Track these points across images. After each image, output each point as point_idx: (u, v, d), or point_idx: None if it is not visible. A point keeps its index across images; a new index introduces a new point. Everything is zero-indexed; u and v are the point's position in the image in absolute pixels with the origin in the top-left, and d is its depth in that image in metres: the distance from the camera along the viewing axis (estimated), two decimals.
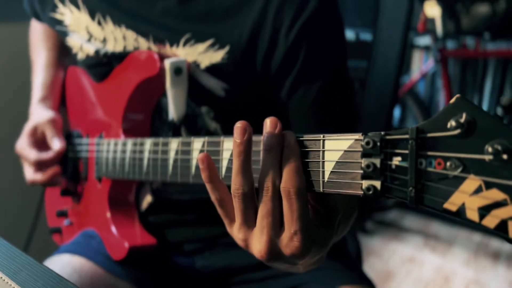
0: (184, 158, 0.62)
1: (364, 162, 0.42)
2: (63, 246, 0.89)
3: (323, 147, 0.46)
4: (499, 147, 0.33)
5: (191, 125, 0.82)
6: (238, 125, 0.48)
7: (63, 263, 0.81)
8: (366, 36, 2.40)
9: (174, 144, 0.64)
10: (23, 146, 0.91)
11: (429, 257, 2.37)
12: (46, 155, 0.90)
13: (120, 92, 0.82)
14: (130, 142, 0.75)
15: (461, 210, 0.36)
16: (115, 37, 0.81)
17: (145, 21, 0.79)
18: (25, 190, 1.14)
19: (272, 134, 0.47)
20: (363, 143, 0.42)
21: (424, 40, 3.17)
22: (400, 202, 0.40)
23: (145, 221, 0.87)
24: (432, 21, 2.90)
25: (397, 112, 3.26)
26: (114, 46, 0.82)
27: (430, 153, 0.38)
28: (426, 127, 0.38)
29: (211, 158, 0.51)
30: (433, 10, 2.83)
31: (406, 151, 0.39)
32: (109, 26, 0.81)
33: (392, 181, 0.40)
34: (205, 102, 0.80)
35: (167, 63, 0.75)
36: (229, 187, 0.51)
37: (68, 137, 0.97)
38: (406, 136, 0.39)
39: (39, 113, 0.95)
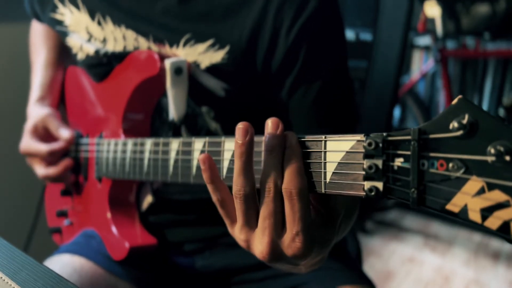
0: (185, 158, 0.61)
1: (366, 163, 0.42)
2: (63, 246, 0.89)
3: (325, 148, 0.46)
4: (502, 149, 0.33)
5: (191, 125, 0.82)
6: (240, 126, 0.48)
7: (63, 263, 0.81)
8: (366, 36, 2.40)
9: (174, 144, 0.64)
10: (29, 144, 0.91)
11: (429, 257, 2.37)
12: (58, 145, 0.90)
13: (120, 92, 0.82)
14: (130, 142, 0.75)
15: (464, 212, 0.36)
16: (115, 37, 0.81)
17: (145, 21, 0.79)
18: (25, 190, 1.14)
19: (274, 135, 0.47)
20: (365, 144, 0.42)
21: (424, 40, 3.17)
22: (401, 202, 0.40)
23: (145, 221, 0.87)
24: (432, 21, 2.90)
25: (397, 112, 3.26)
26: (114, 46, 0.82)
27: (432, 154, 0.38)
28: (428, 128, 0.38)
29: (213, 159, 0.51)
30: (433, 10, 2.83)
31: (408, 152, 0.39)
32: (109, 26, 0.81)
33: (394, 182, 0.40)
34: (205, 102, 0.80)
35: (168, 63, 0.75)
36: (230, 187, 0.50)
37: None
38: (408, 137, 0.39)
39: (37, 112, 0.94)
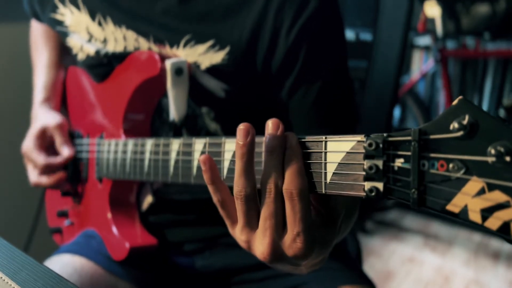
0: (186, 159, 0.62)
1: (366, 163, 0.42)
2: (63, 246, 0.89)
3: (325, 149, 0.46)
4: (502, 149, 0.33)
5: (191, 126, 0.82)
6: (241, 127, 0.48)
7: (63, 263, 0.81)
8: (366, 36, 2.40)
9: (175, 144, 0.64)
10: (30, 148, 0.91)
11: (429, 257, 2.37)
12: (55, 160, 0.90)
13: (120, 92, 0.82)
14: (131, 142, 0.75)
15: (464, 212, 0.36)
16: (116, 38, 0.81)
17: (145, 22, 0.79)
18: (25, 190, 1.14)
19: (274, 135, 0.47)
20: (365, 144, 0.42)
21: (424, 40, 3.17)
22: (401, 202, 0.40)
23: (145, 221, 0.87)
24: (432, 21, 2.90)
25: (397, 112, 3.26)
26: (114, 46, 0.82)
27: (432, 155, 0.38)
28: (429, 128, 0.38)
29: (213, 160, 0.51)
30: (433, 10, 2.83)
31: (409, 153, 0.39)
32: (110, 26, 0.81)
33: (394, 182, 0.40)
34: (206, 102, 0.80)
35: (168, 64, 0.75)
36: (231, 188, 0.51)
37: (70, 137, 0.97)
38: (409, 138, 0.39)
39: (47, 116, 0.94)
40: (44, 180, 0.91)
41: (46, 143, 0.93)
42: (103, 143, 0.84)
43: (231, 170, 0.54)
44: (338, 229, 0.52)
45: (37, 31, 1.04)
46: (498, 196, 0.34)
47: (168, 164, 0.65)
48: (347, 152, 0.44)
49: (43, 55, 1.02)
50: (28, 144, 0.92)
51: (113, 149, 0.80)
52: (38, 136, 0.92)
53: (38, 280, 0.48)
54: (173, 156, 0.64)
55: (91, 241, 0.87)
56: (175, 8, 0.76)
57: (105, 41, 0.82)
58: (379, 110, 2.40)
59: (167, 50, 0.78)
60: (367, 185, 0.42)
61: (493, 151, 0.34)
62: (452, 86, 3.06)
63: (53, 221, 1.07)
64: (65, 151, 0.90)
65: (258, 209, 0.49)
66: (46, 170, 0.91)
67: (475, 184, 0.35)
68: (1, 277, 0.49)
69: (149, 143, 0.70)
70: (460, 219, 0.36)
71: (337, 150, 0.45)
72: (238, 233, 0.51)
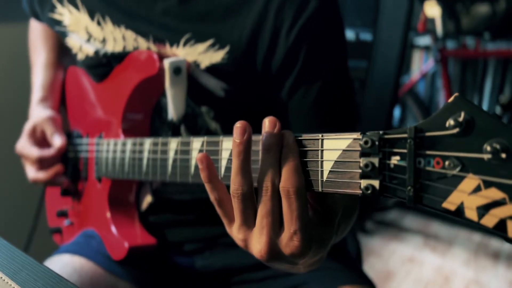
0: (183, 158, 0.62)
1: (362, 161, 0.42)
2: (63, 246, 0.89)
3: (322, 147, 0.46)
4: (498, 146, 0.33)
5: (191, 125, 0.82)
6: (238, 125, 0.48)
7: (63, 263, 0.81)
8: (366, 36, 2.40)
9: (173, 144, 0.64)
10: (24, 145, 0.92)
11: (429, 257, 2.37)
12: (48, 152, 0.90)
13: (119, 92, 0.82)
14: (129, 142, 0.76)
15: (460, 209, 0.36)
16: (115, 37, 0.81)
17: (144, 21, 0.79)
18: (25, 190, 1.14)
19: (271, 133, 0.47)
20: (361, 142, 0.42)
21: (424, 40, 3.17)
22: (400, 202, 0.40)
23: (145, 221, 0.87)
24: (432, 21, 2.90)
25: (397, 112, 3.26)
26: (113, 46, 0.82)
27: (428, 152, 0.38)
28: (425, 126, 0.38)
29: (210, 158, 0.51)
30: (433, 10, 2.83)
31: (405, 150, 0.39)
32: (109, 26, 0.81)
33: (390, 180, 0.40)
34: (205, 102, 0.80)
35: (167, 63, 0.75)
36: (228, 187, 0.51)
37: (68, 137, 0.97)
38: (405, 135, 0.39)
39: (38, 113, 0.95)
40: (42, 175, 0.91)
41: (38, 139, 0.93)
42: (102, 143, 0.84)
43: (228, 169, 0.54)
44: (336, 228, 0.52)
45: (36, 30, 1.04)
46: (494, 193, 0.34)
47: (166, 163, 0.65)
48: (343, 150, 0.44)
49: (42, 55, 1.02)
50: (21, 142, 0.93)
51: (112, 148, 0.80)
52: (30, 133, 0.92)
53: (38, 280, 0.48)
54: (171, 155, 0.64)
55: (90, 241, 0.87)
56: (175, 8, 0.76)
57: (104, 41, 0.83)
58: (379, 110, 2.40)
59: (166, 49, 0.78)
60: (363, 183, 0.42)
61: (489, 148, 0.34)
62: (452, 86, 3.06)
63: (53, 221, 1.07)
64: (57, 141, 0.91)
65: (255, 207, 0.49)
66: (42, 163, 0.91)
67: (471, 181, 0.35)
68: (1, 277, 0.49)
69: (148, 142, 0.70)
70: (456, 217, 0.36)
71: (334, 148, 0.45)
72: (235, 231, 0.51)
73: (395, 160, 0.40)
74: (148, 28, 0.78)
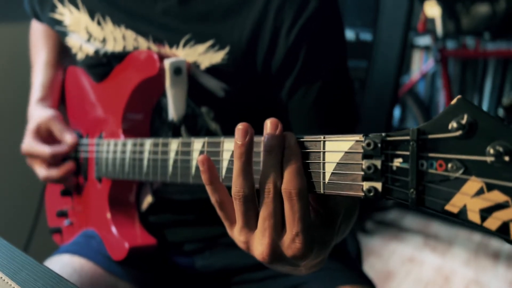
0: (184, 158, 0.61)
1: (365, 163, 0.42)
2: (63, 246, 0.89)
3: (324, 148, 0.46)
4: (501, 149, 0.33)
5: (191, 125, 0.82)
6: (240, 127, 0.47)
7: (63, 263, 0.81)
8: (366, 36, 2.40)
9: (174, 144, 0.64)
10: (32, 145, 0.91)
11: (429, 257, 2.37)
12: (61, 148, 0.90)
13: (119, 92, 0.82)
14: (130, 142, 0.75)
15: (463, 212, 0.36)
16: (115, 37, 0.81)
17: (145, 21, 0.79)
18: (25, 190, 1.14)
19: (273, 135, 0.47)
20: (364, 144, 0.42)
21: (424, 40, 3.17)
22: (400, 202, 0.40)
23: (145, 221, 0.87)
24: (432, 21, 2.90)
25: (397, 112, 3.26)
26: (113, 46, 0.82)
27: (431, 154, 0.37)
28: (427, 128, 0.38)
29: (211, 160, 0.51)
30: (433, 10, 2.83)
31: (407, 153, 0.39)
32: (109, 26, 0.81)
33: (393, 182, 0.40)
34: (205, 102, 0.80)
35: (167, 63, 0.75)
36: (229, 188, 0.50)
37: None
38: (407, 138, 0.39)
39: (39, 113, 0.94)
40: (54, 172, 0.90)
41: (44, 137, 0.93)
42: (102, 143, 0.84)
43: (229, 170, 0.54)
44: (337, 229, 0.51)
45: (37, 30, 1.04)
46: (497, 196, 0.34)
47: (167, 164, 0.65)
48: (346, 152, 0.44)
49: (42, 54, 1.02)
50: (28, 142, 0.92)
51: (112, 149, 0.80)
52: (35, 133, 0.92)
53: (38, 280, 0.48)
54: (171, 156, 0.64)
55: (90, 241, 0.87)
56: (175, 8, 0.76)
57: (104, 40, 0.82)
58: (379, 110, 2.40)
59: (166, 50, 0.78)
60: (366, 185, 0.42)
61: (492, 151, 0.34)
62: (452, 86, 3.06)
63: (53, 221, 1.07)
64: (68, 137, 0.90)
65: (256, 209, 0.49)
66: (53, 160, 0.90)
67: (474, 184, 0.35)
68: (1, 277, 0.49)
69: (148, 143, 0.70)
70: (459, 219, 0.36)
71: (336, 150, 0.45)
72: (236, 234, 0.51)
73: (397, 162, 0.40)
74: (148, 28, 0.78)
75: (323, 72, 0.74)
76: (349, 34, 2.38)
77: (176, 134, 0.82)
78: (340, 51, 0.77)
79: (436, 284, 2.13)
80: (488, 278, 2.17)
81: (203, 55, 0.75)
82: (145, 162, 0.71)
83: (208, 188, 0.51)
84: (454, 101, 0.36)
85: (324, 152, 0.46)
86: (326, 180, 0.45)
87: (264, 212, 0.48)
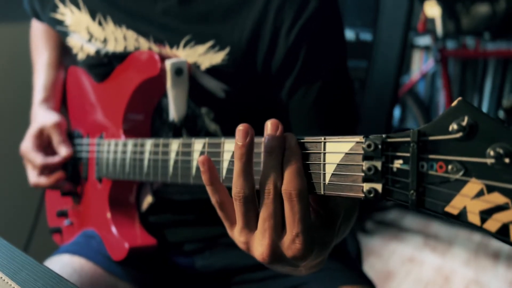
0: (185, 159, 0.62)
1: (365, 164, 0.42)
2: (63, 246, 0.89)
3: (324, 149, 0.46)
4: (501, 151, 0.33)
5: (191, 126, 0.82)
6: (240, 128, 0.47)
7: (63, 263, 0.81)
8: (366, 36, 2.40)
9: (174, 145, 0.64)
10: (28, 148, 0.91)
11: (429, 257, 2.37)
12: (52, 160, 0.90)
13: (120, 92, 0.82)
14: (130, 142, 0.75)
15: (463, 214, 0.36)
16: (116, 37, 0.81)
17: (145, 21, 0.79)
18: (25, 190, 1.14)
19: (273, 136, 0.47)
20: (364, 145, 0.42)
21: (424, 40, 3.17)
22: (400, 203, 0.40)
23: (145, 222, 0.87)
24: (432, 21, 2.90)
25: (397, 112, 3.26)
26: (114, 46, 0.82)
27: (431, 156, 0.38)
28: (428, 130, 0.38)
29: (212, 161, 0.51)
30: (433, 10, 2.83)
31: (408, 154, 0.39)
32: (110, 26, 0.81)
33: (393, 184, 0.40)
34: (205, 103, 0.80)
35: (168, 64, 0.75)
36: (229, 189, 0.50)
37: (69, 137, 0.97)
38: (408, 139, 0.39)
39: (44, 116, 0.94)
40: (43, 180, 0.91)
41: (44, 143, 0.93)
42: (103, 143, 0.84)
43: (230, 171, 0.54)
44: (337, 230, 0.52)
45: (38, 30, 1.04)
46: (497, 198, 0.34)
47: (167, 164, 0.65)
48: (346, 153, 0.44)
49: (43, 55, 1.02)
50: (26, 144, 0.92)
51: (113, 149, 0.80)
52: (36, 136, 0.92)
53: (38, 280, 0.48)
54: (172, 156, 0.64)
55: (90, 241, 0.87)
56: (175, 8, 0.76)
57: (105, 40, 0.82)
58: (379, 110, 2.40)
59: (167, 50, 0.78)
60: (366, 186, 0.42)
61: (492, 153, 0.34)
62: (452, 86, 3.06)
63: (53, 221, 1.07)
64: (63, 151, 0.90)
65: (257, 210, 0.49)
66: (45, 170, 0.91)
67: (474, 185, 0.35)
68: (1, 277, 0.49)
69: (149, 143, 0.70)
70: (459, 221, 0.36)
71: (336, 151, 0.45)
72: (236, 234, 0.51)
73: (398, 163, 0.40)
74: (148, 28, 0.78)
75: (323, 72, 0.74)
76: (349, 34, 2.38)
77: (176, 134, 0.82)
78: (340, 51, 0.78)
79: (436, 284, 2.13)
80: (488, 278, 2.17)
81: (203, 56, 0.75)
82: (146, 163, 0.71)
83: (208, 189, 0.51)
84: (454, 103, 0.36)
85: (324, 153, 0.46)
86: (327, 181, 0.46)
87: (264, 213, 0.48)
